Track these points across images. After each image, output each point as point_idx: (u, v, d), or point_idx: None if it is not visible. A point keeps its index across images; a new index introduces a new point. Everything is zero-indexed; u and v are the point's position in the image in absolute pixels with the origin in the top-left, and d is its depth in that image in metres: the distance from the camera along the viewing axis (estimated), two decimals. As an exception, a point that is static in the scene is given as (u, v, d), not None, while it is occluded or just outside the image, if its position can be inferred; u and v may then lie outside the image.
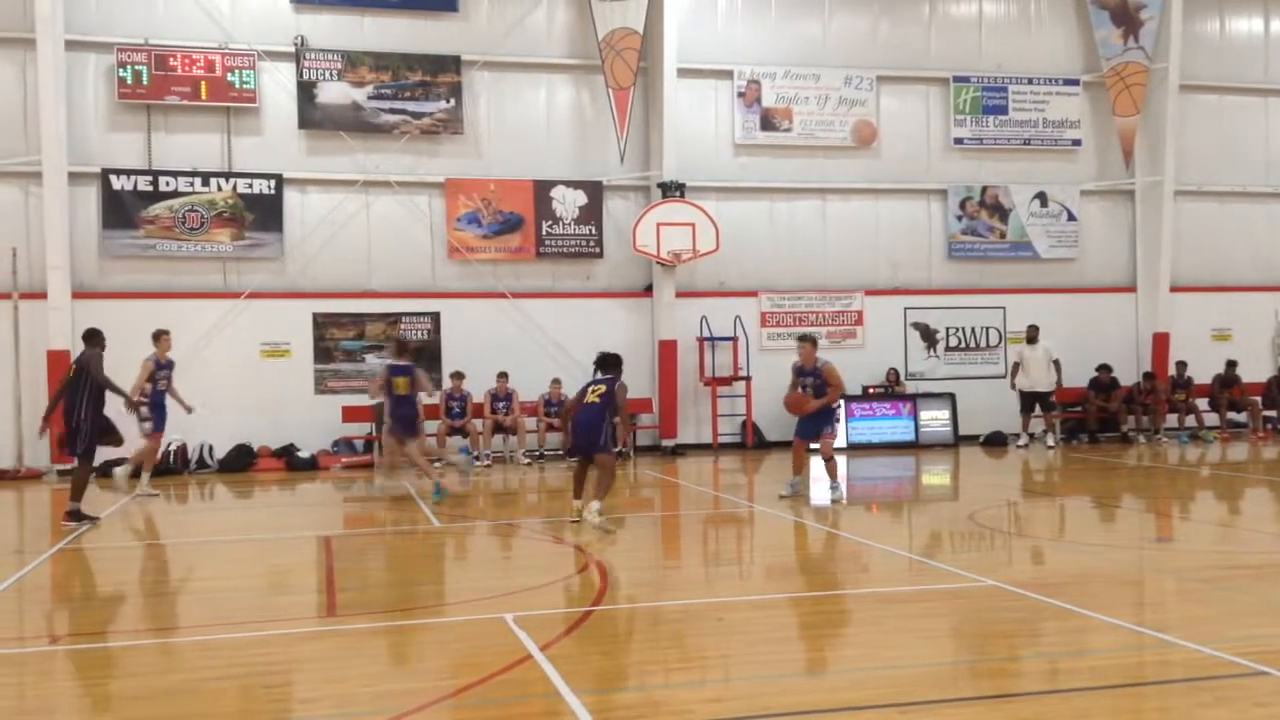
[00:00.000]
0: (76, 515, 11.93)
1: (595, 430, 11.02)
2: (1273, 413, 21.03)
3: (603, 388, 11.17)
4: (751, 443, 19.53)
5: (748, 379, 19.52)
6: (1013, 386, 19.60)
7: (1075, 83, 21.40)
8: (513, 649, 6.49)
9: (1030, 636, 6.94)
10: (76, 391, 11.98)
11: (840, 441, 18.92)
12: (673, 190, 19.03)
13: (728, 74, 19.99)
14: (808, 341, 13.17)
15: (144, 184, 17.77)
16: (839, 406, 13.62)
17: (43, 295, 17.11)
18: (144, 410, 14.16)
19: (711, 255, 19.18)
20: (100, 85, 17.80)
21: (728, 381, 19.57)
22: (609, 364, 11.45)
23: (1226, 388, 20.85)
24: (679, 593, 8.48)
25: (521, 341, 18.96)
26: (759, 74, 20.05)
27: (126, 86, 17.64)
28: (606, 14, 18.99)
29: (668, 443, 19.34)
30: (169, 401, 14.65)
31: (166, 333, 14.78)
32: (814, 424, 12.94)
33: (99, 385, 12.07)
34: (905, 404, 19.83)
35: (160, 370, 14.48)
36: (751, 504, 13.34)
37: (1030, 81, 21.20)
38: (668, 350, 19.37)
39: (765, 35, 20.25)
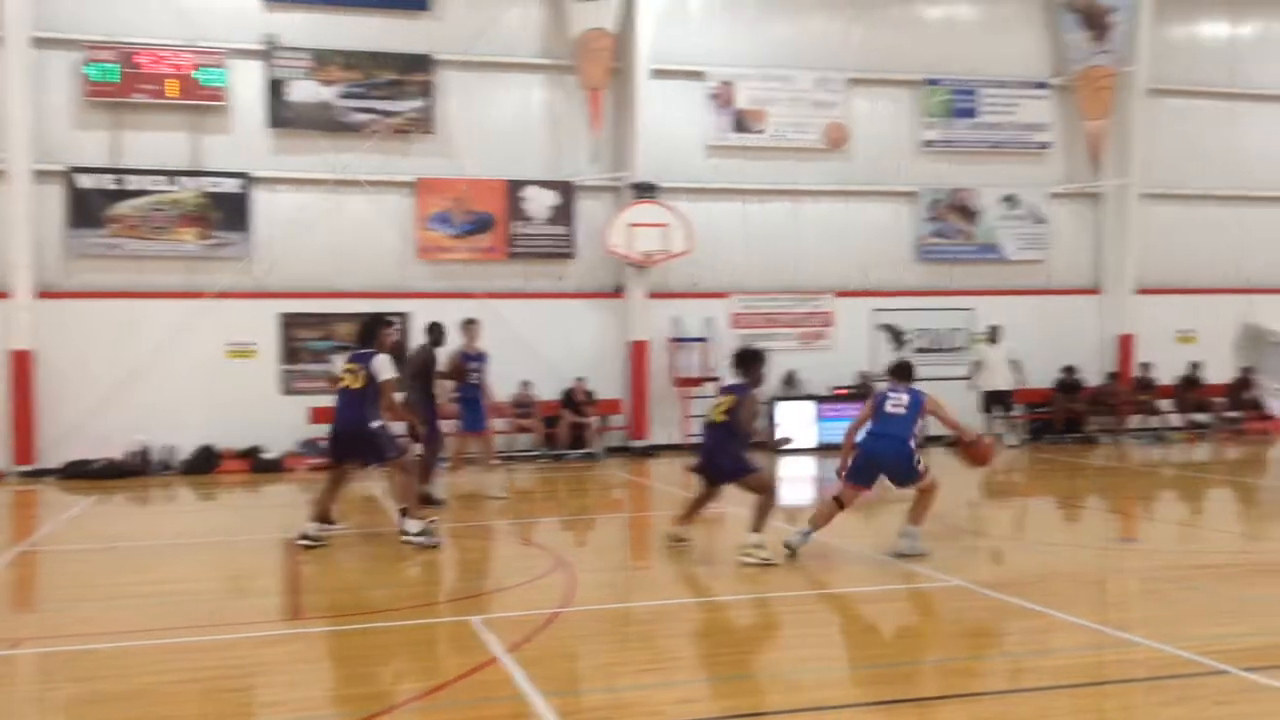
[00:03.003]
0: (425, 499, 11.81)
1: (725, 454, 9.37)
2: (1235, 414, 21.25)
3: (730, 401, 9.40)
4: (722, 444, 19.52)
5: (719, 380, 19.52)
6: (972, 386, 19.73)
7: (1044, 86, 21.56)
8: (479, 651, 6.47)
9: (994, 636, 6.99)
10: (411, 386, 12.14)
11: (811, 442, 19.06)
12: (645, 191, 19.01)
13: (701, 75, 20.00)
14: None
15: (110, 183, 17.59)
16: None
17: (6, 294, 16.91)
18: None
19: (684, 256, 19.18)
20: (67, 83, 17.60)
21: (699, 382, 19.58)
22: (746, 363, 9.60)
23: (1190, 389, 21.05)
24: (647, 594, 8.48)
25: (492, 342, 18.84)
26: (732, 75, 20.07)
27: (94, 84, 17.45)
28: (580, 14, 18.95)
29: (638, 443, 19.33)
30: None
31: (475, 321, 13.86)
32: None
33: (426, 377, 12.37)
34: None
35: (470, 362, 13.55)
36: (721, 505, 13.33)
37: (1000, 84, 21.33)
38: (639, 351, 19.37)
39: (738, 37, 20.27)
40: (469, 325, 13.65)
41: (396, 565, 10.10)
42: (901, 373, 9.68)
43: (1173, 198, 22.00)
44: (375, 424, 10.10)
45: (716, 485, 9.84)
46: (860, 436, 9.75)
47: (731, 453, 9.34)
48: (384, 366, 10.08)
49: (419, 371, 12.70)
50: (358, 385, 10.10)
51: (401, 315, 18.61)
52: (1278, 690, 5.47)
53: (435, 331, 13.12)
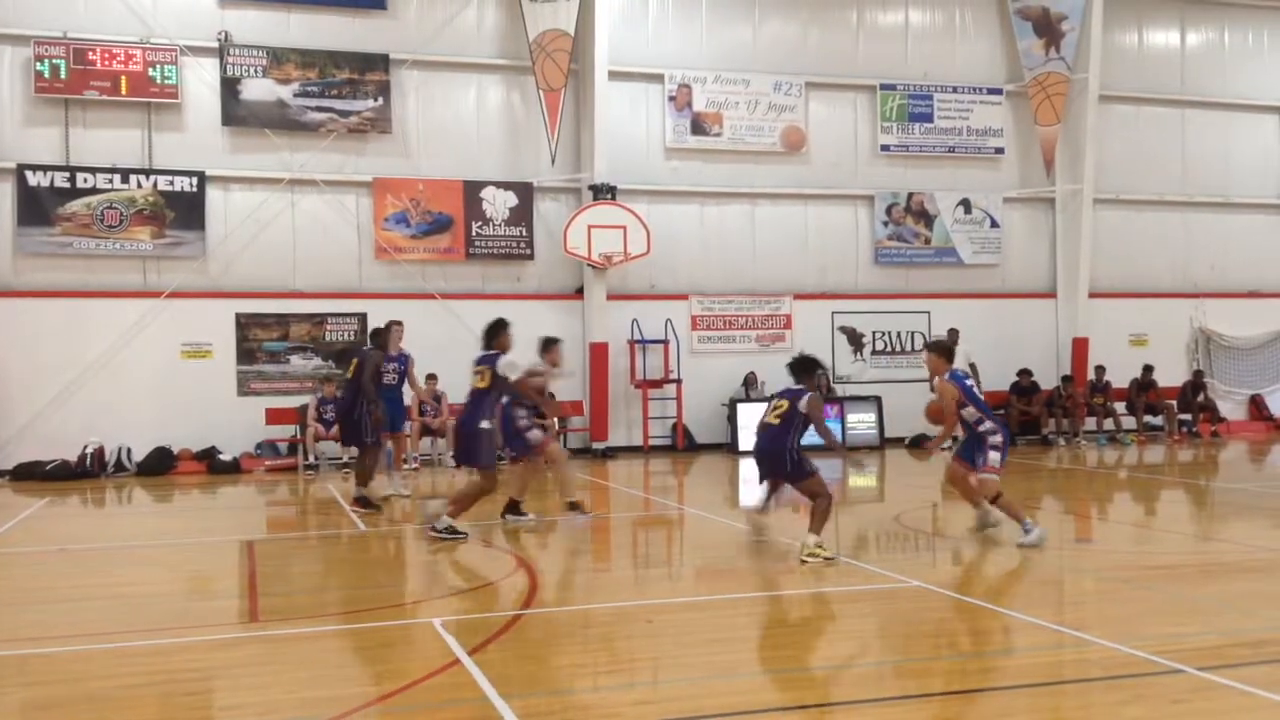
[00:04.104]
0: (364, 502, 12.35)
1: (780, 457, 9.26)
2: (1188, 416, 21.59)
3: (785, 405, 9.29)
4: (682, 445, 19.59)
5: (678, 381, 19.57)
6: (932, 389, 19.82)
7: (999, 92, 21.80)
8: (440, 654, 6.43)
9: (953, 636, 7.04)
10: (357, 386, 12.47)
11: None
12: (604, 193, 19.02)
13: (659, 77, 20.04)
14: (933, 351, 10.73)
15: (61, 180, 17.33)
16: (990, 434, 9.96)
17: (-46, 293, 16.62)
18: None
19: (642, 258, 19.21)
20: (16, 79, 17.33)
21: (659, 384, 19.62)
22: (803, 370, 9.47)
23: (1143, 391, 21.37)
24: (608, 595, 8.47)
25: (450, 343, 18.76)
26: (690, 78, 20.13)
27: (44, 80, 17.18)
28: (537, 15, 18.93)
29: (598, 445, 19.32)
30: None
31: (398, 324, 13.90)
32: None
33: (375, 379, 12.58)
34: (833, 407, 20.01)
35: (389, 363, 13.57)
36: (681, 506, 13.37)
37: (955, 90, 21.55)
38: (599, 352, 19.35)
39: (696, 39, 20.34)
40: (393, 327, 13.72)
41: (356, 566, 10.03)
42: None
43: (1124, 203, 22.36)
44: (485, 425, 10.54)
45: (777, 482, 9.86)
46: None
47: (785, 455, 9.25)
48: (509, 366, 10.61)
49: (369, 374, 12.71)
50: (484, 385, 10.62)
51: (359, 316, 18.57)
52: (1231, 689, 5.55)
53: (379, 335, 13.25)
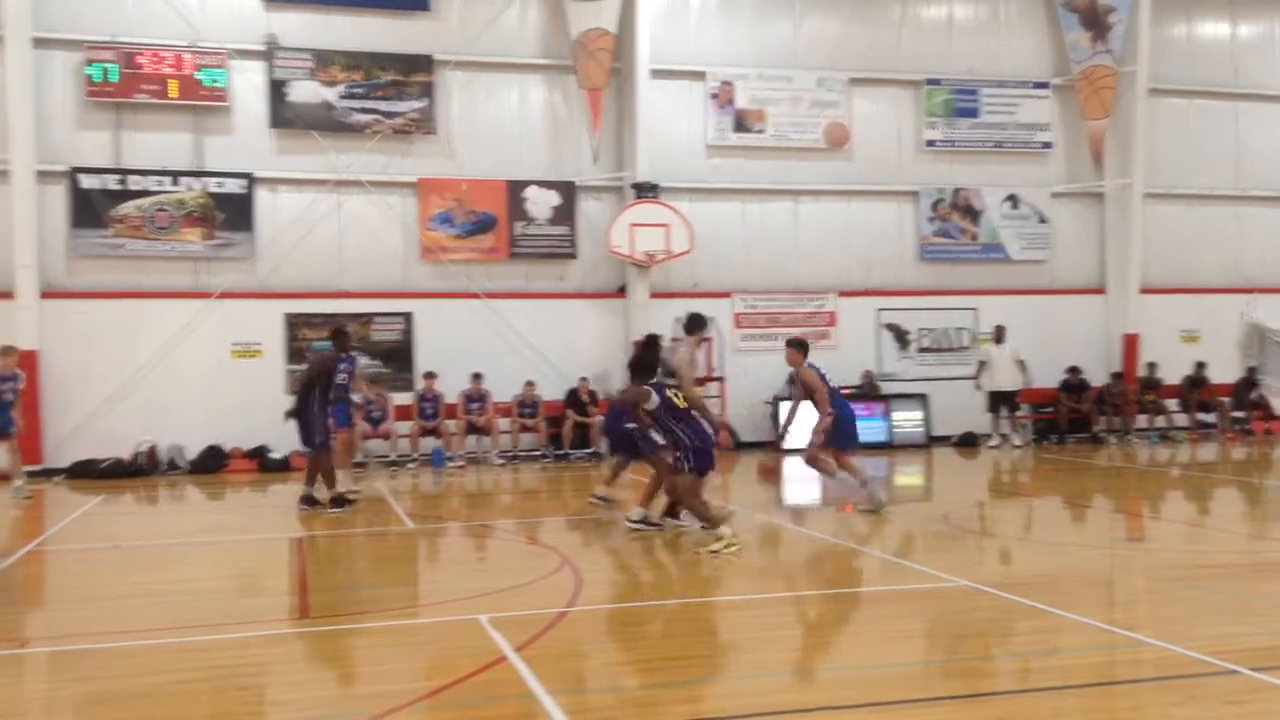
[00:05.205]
0: (338, 501, 12.48)
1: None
2: (1241, 413, 21.23)
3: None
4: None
5: (722, 379, 19.54)
6: (978, 386, 19.71)
7: (1045, 86, 21.55)
8: (487, 650, 6.47)
9: (1002, 636, 6.97)
10: (310, 388, 12.63)
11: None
12: (646, 191, 19.01)
13: (701, 75, 20.00)
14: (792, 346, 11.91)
15: (113, 183, 17.59)
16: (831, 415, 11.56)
17: (10, 295, 16.90)
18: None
19: (685, 256, 19.18)
20: (68, 83, 17.61)
21: (702, 382, 19.52)
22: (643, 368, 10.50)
23: (1196, 388, 21.04)
24: (654, 593, 8.48)
25: (495, 342, 18.88)
26: (732, 75, 20.08)
27: (95, 85, 17.45)
28: (579, 14, 18.96)
29: (641, 443, 19.29)
30: None
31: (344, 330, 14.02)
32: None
33: (328, 382, 12.71)
34: (878, 405, 19.90)
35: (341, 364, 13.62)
36: (725, 504, 13.32)
37: (1001, 84, 21.33)
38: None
39: (738, 37, 20.28)
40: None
41: (403, 563, 10.11)
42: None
43: (1175, 197, 22.01)
44: (630, 426, 11.02)
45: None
46: None
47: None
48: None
49: (320, 376, 12.76)
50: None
51: (405, 315, 18.72)
52: (1287, 689, 5.46)
53: (340, 338, 13.31)
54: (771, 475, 16.91)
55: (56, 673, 6.55)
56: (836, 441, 11.63)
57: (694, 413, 10.10)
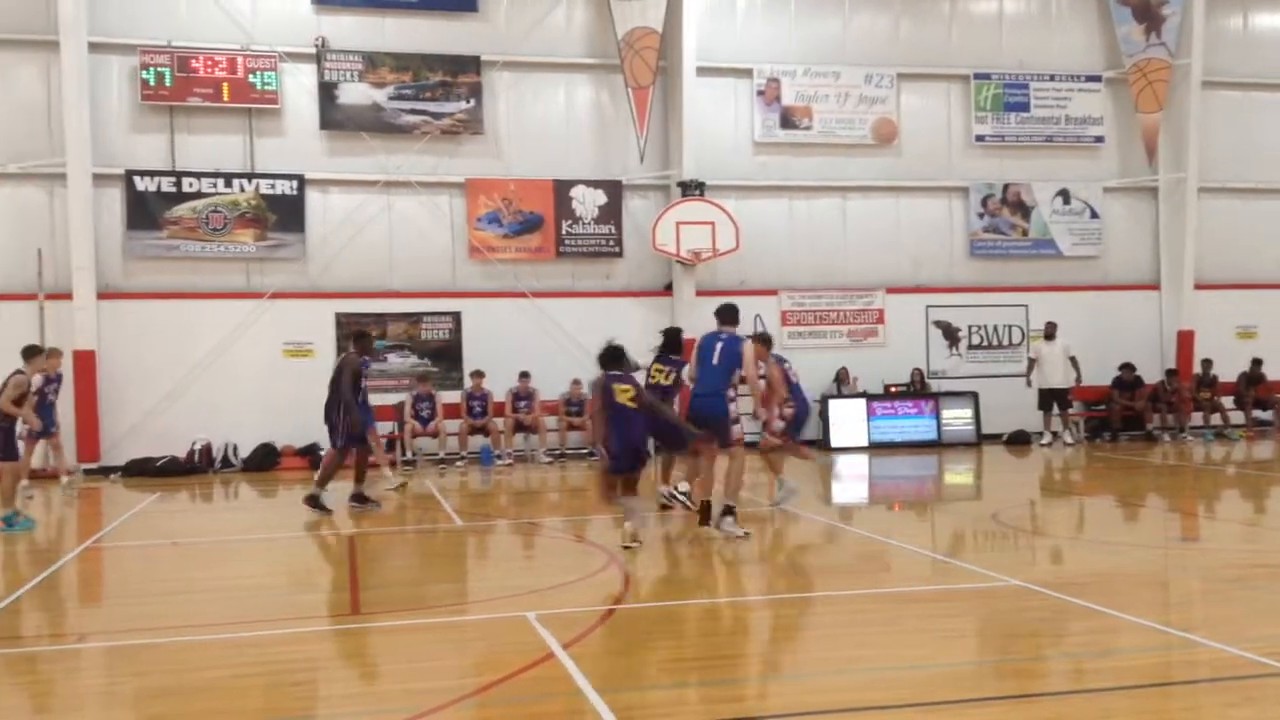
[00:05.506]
0: (314, 501, 12.54)
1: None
2: (1299, 411, 20.84)
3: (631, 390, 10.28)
4: (772, 441, 19.48)
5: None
6: (1029, 384, 19.51)
7: (1097, 79, 21.27)
8: (535, 647, 6.50)
9: (1054, 636, 6.90)
10: (337, 390, 12.90)
11: (862, 440, 18.98)
12: (692, 189, 19.01)
13: (747, 72, 19.96)
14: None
15: (167, 185, 17.88)
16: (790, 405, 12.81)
17: (68, 296, 17.23)
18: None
19: (731, 254, 19.15)
20: (123, 87, 17.92)
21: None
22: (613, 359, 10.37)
23: (1252, 386, 20.68)
24: (701, 591, 8.48)
25: (542, 341, 18.97)
26: (778, 72, 20.01)
27: (149, 88, 17.75)
28: (625, 13, 18.99)
29: (689, 441, 19.29)
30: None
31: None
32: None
33: (356, 383, 12.88)
34: (927, 403, 19.75)
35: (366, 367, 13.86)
36: (773, 504, 13.29)
37: (1052, 78, 21.08)
38: (688, 349, 19.27)
39: (784, 33, 20.21)
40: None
41: (452, 560, 10.19)
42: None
43: (1230, 191, 21.66)
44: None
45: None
46: None
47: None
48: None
49: (351, 377, 12.88)
50: (668, 383, 12.06)
51: (453, 315, 18.85)
52: (1348, 691, 5.36)
53: (363, 340, 13.46)
54: (818, 472, 16.80)
55: (114, 667, 6.67)
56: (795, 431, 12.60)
57: (637, 414, 9.93)
